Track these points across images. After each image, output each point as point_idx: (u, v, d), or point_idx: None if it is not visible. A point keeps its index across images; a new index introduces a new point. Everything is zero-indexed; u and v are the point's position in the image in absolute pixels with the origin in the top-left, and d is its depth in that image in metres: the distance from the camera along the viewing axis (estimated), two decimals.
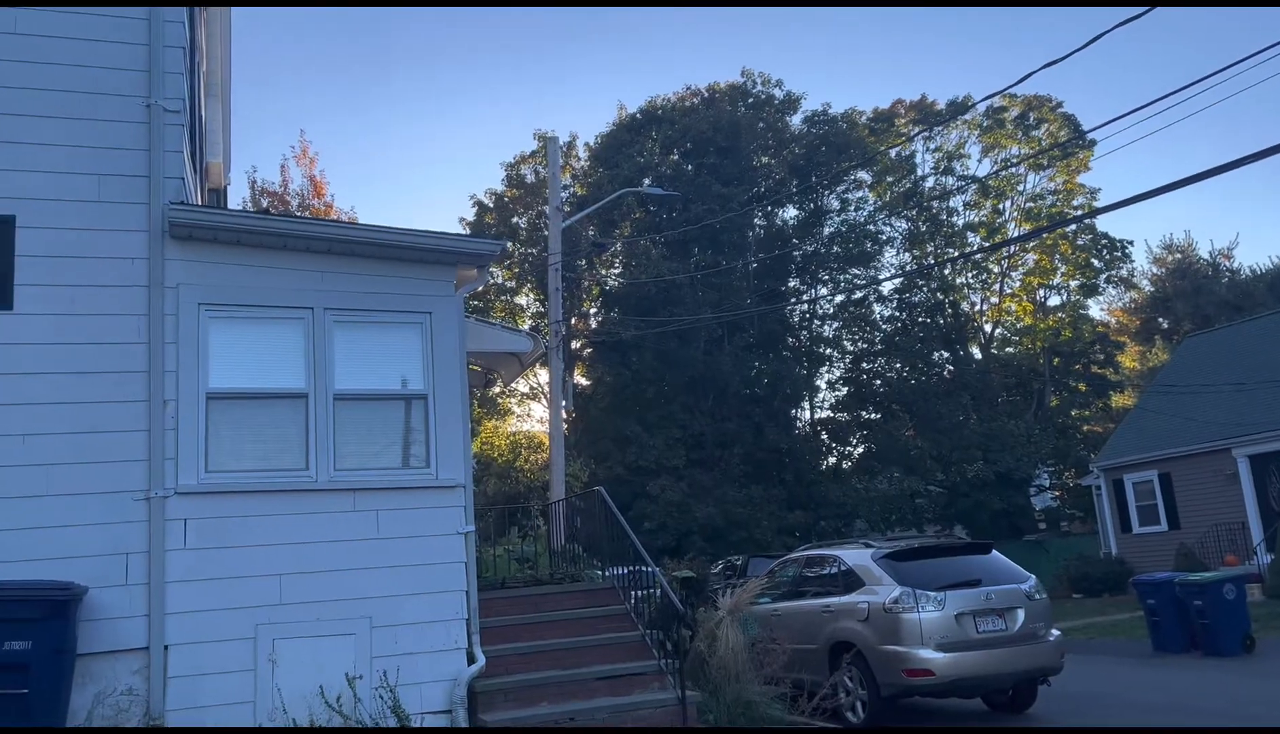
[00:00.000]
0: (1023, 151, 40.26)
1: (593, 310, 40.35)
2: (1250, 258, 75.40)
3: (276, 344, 7.82)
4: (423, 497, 7.95)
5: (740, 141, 37.76)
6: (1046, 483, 39.04)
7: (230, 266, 7.73)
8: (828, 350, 40.98)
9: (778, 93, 40.88)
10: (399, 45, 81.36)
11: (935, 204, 41.04)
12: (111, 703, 6.83)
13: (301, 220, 9.67)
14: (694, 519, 31.59)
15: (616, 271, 39.32)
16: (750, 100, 40.67)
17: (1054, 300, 41.65)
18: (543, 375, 35.20)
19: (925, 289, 40.13)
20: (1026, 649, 9.57)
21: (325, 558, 7.53)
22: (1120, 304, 47.27)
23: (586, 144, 41.67)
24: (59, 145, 7.46)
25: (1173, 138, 76.48)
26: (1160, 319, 45.04)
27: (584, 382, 38.64)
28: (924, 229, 41.14)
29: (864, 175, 40.92)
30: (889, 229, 41.01)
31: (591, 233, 35.29)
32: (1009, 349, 42.17)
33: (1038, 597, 9.92)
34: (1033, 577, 10.23)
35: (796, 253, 39.28)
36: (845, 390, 41.08)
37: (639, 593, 9.53)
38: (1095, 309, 43.96)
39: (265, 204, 32.48)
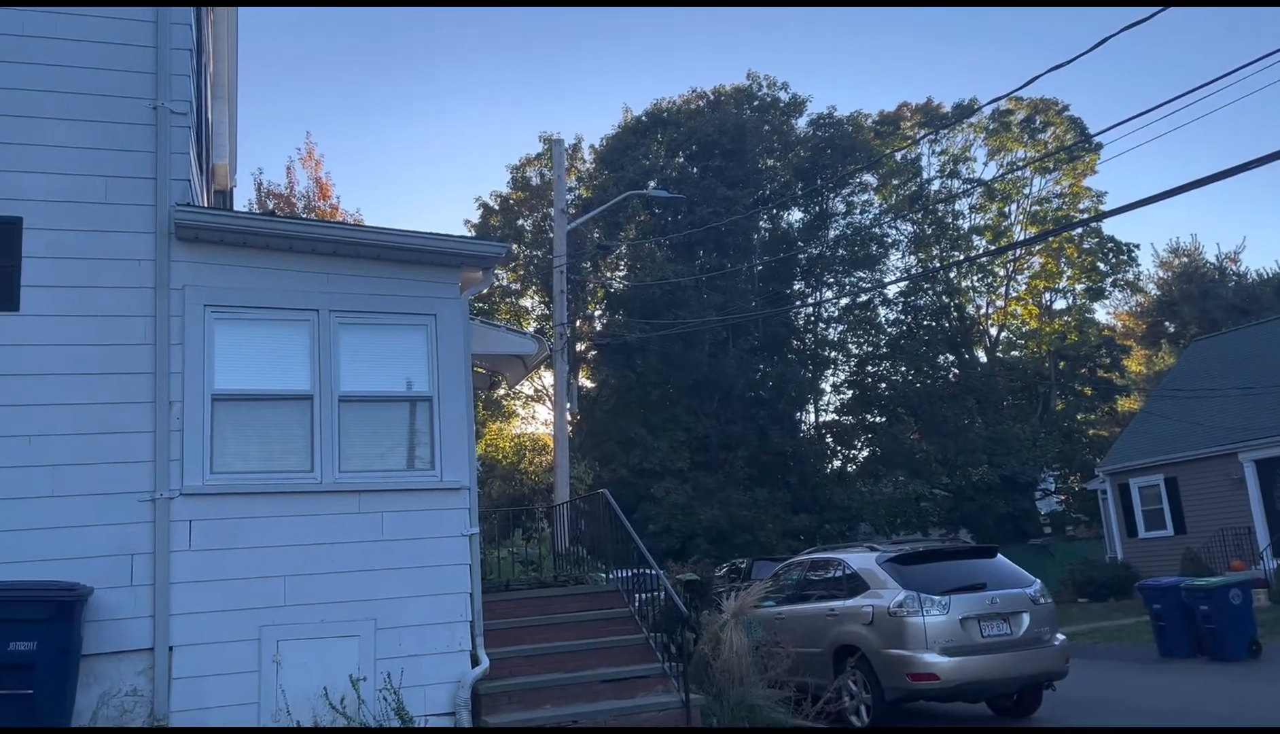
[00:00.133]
0: (1029, 155, 40.20)
1: (597, 313, 40.37)
2: (1257, 262, 75.36)
3: (282, 346, 7.83)
4: (427, 499, 7.96)
5: (745, 144, 37.77)
6: (1052, 487, 38.95)
7: (236, 268, 7.75)
8: (833, 353, 40.93)
9: (783, 96, 40.89)
10: (405, 47, 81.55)
11: (941, 207, 40.98)
12: (116, 703, 6.84)
13: (307, 222, 9.69)
14: (698, 522, 31.57)
15: (621, 274, 39.33)
16: (755, 103, 40.68)
17: (1060, 304, 41.59)
18: (547, 378, 35.30)
19: (931, 292, 40.08)
20: (1031, 654, 9.54)
21: (330, 560, 7.54)
22: (1126, 308, 47.18)
23: (592, 146, 41.75)
24: (66, 147, 7.49)
25: (1179, 141, 76.41)
26: (1166, 323, 44.93)
27: (589, 384, 38.65)
28: (929, 232, 41.08)
29: (869, 178, 40.89)
30: (894, 232, 40.99)
31: (596, 235, 35.30)
32: (1014, 352, 42.08)
33: (1043, 601, 9.90)
34: (1038, 581, 10.20)
35: (801, 256, 39.26)
36: (850, 393, 41.04)
37: (643, 596, 9.53)
38: (1101, 313, 43.94)
39: (271, 206, 32.55)
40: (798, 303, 39.55)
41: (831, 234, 40.22)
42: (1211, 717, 9.56)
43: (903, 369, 39.69)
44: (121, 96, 7.68)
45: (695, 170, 37.60)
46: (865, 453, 40.26)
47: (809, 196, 39.30)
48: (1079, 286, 40.82)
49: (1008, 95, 13.70)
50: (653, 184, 35.18)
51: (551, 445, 28.43)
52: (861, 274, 39.93)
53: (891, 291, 40.20)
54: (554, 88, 79.82)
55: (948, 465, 35.67)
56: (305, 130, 75.12)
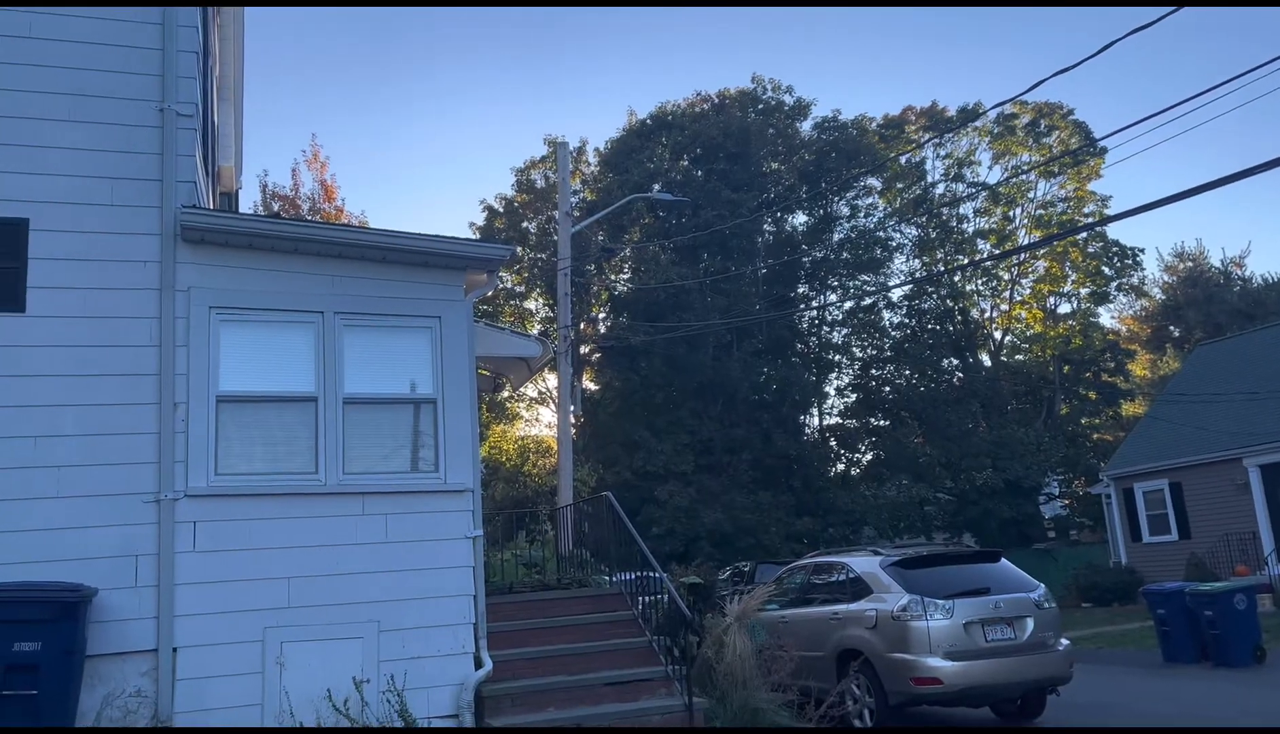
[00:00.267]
0: (1033, 159, 40.17)
1: (602, 315, 40.39)
2: (1262, 266, 75.17)
3: (287, 347, 7.85)
4: (431, 501, 7.96)
5: (750, 147, 37.78)
6: (1056, 491, 38.89)
7: (241, 270, 7.76)
8: (837, 357, 40.90)
9: (788, 99, 40.91)
10: (409, 48, 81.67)
11: (945, 211, 40.97)
12: (120, 704, 6.86)
13: (312, 224, 9.70)
14: (702, 525, 31.56)
15: (625, 277, 39.35)
16: (760, 106, 40.70)
17: (1064, 308, 41.54)
18: (551, 380, 35.29)
19: (935, 296, 40.05)
20: (1035, 658, 9.53)
21: (333, 561, 7.55)
22: (1131, 312, 47.16)
23: (597, 149, 41.79)
24: (72, 149, 7.52)
25: (1185, 145, 76.29)
26: (1171, 327, 44.91)
27: (592, 386, 38.66)
28: (934, 236, 41.06)
29: (874, 182, 40.88)
30: (899, 235, 40.98)
31: (601, 238, 35.33)
32: (1019, 356, 42.04)
33: (1047, 605, 9.88)
34: (1042, 585, 10.19)
35: (806, 259, 39.25)
36: (854, 397, 41.01)
37: (646, 599, 9.53)
38: (1106, 317, 43.95)
39: (276, 208, 32.63)
40: (802, 306, 39.53)
41: (836, 237, 40.21)
42: (1216, 722, 9.53)
43: (907, 372, 39.65)
44: (128, 99, 7.71)
45: (700, 173, 37.62)
46: (869, 456, 40.22)
47: (813, 200, 39.30)
48: (1083, 291, 40.77)
49: (1013, 99, 13.75)
50: (657, 187, 35.19)
51: (555, 448, 28.44)
52: (866, 277, 39.92)
53: (896, 295, 40.21)
54: (558, 90, 79.93)
55: (951, 469, 35.62)
56: (311, 132, 75.12)
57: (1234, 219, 78.13)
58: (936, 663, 9.12)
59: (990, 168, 41.90)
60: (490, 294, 30.80)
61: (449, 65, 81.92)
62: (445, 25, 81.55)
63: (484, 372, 11.11)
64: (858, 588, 10.19)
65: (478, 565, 8.04)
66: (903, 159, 40.10)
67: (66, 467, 7.02)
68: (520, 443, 41.05)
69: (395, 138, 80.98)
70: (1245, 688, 11.56)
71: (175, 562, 7.13)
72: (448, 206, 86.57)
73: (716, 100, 40.77)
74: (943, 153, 41.67)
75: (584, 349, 37.88)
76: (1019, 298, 41.71)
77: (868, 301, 40.05)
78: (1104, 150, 35.95)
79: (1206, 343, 31.95)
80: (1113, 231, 41.06)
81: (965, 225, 41.49)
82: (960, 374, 40.09)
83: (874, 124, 41.87)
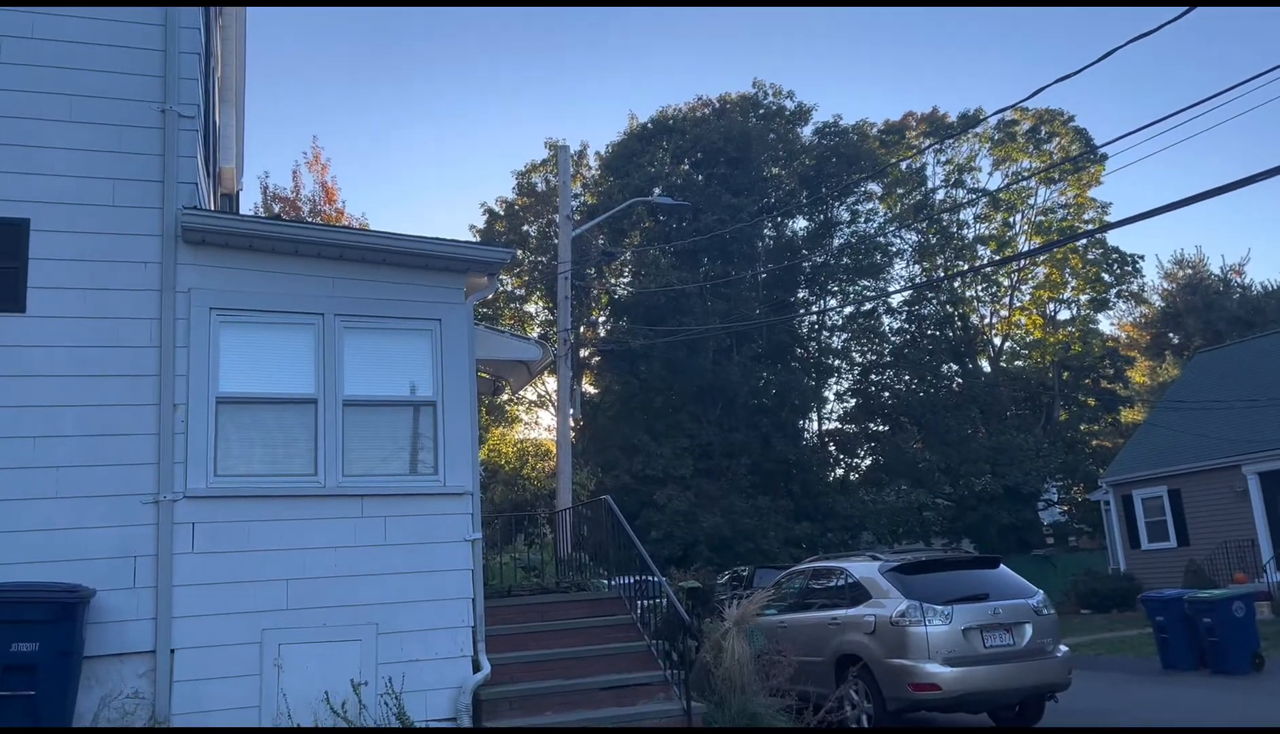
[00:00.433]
0: (1034, 165, 40.21)
1: (601, 319, 40.39)
2: (1262, 274, 75.13)
3: (287, 349, 7.85)
4: (430, 503, 7.96)
5: (751, 152, 37.82)
6: (1055, 497, 38.87)
7: (242, 271, 7.76)
8: (836, 362, 40.92)
9: (789, 104, 40.96)
10: (411, 52, 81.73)
11: (945, 217, 41.00)
12: (117, 706, 6.85)
13: (313, 226, 9.71)
14: (700, 529, 31.54)
15: (626, 280, 39.36)
16: (761, 111, 40.75)
17: (1064, 314, 41.55)
18: (551, 383, 35.29)
19: (935, 301, 40.07)
20: (1034, 665, 9.52)
21: (332, 563, 7.55)
22: (1130, 319, 47.16)
23: (597, 153, 41.83)
24: (74, 149, 7.52)
25: (1185, 152, 76.40)
26: (1171, 334, 44.91)
27: (592, 390, 38.66)
28: (934, 241, 41.09)
29: (874, 187, 40.92)
30: (899, 241, 41.01)
31: (601, 241, 35.35)
32: (1018, 362, 42.05)
33: (1046, 612, 9.87)
34: (1041, 592, 10.18)
35: (806, 264, 39.28)
36: (853, 402, 41.01)
37: (645, 603, 9.52)
38: (1105, 324, 43.88)
39: (277, 209, 32.65)
40: (801, 311, 39.55)
41: (836, 242, 40.25)
42: (1219, 727, 9.53)
43: (906, 378, 39.66)
44: (129, 100, 7.71)
45: (700, 178, 37.65)
46: (868, 461, 40.21)
47: (814, 205, 39.32)
48: (1083, 297, 40.80)
49: (1014, 106, 13.73)
50: (658, 191, 35.17)
51: (554, 451, 28.42)
52: (865, 283, 39.94)
53: (895, 300, 40.22)
54: (560, 93, 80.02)
55: (950, 475, 35.62)
56: (312, 134, 75.01)
57: (1234, 226, 78.25)
58: (935, 669, 9.11)
59: (991, 174, 42.01)
60: (490, 297, 30.80)
61: (450, 67, 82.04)
62: (447, 27, 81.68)
63: (484, 374, 11.11)
64: (856, 593, 10.18)
65: (476, 568, 8.04)
66: (903, 165, 40.14)
67: (66, 467, 7.02)
68: (519, 446, 41.03)
69: (396, 140, 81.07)
70: (1244, 695, 11.55)
71: (174, 563, 7.12)
72: (448, 209, 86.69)
73: (717, 104, 40.82)
74: (943, 158, 41.73)
75: (584, 352, 37.88)
76: (1019, 304, 41.74)
77: (867, 307, 40.08)
78: (1104, 157, 36.03)
79: (1206, 350, 31.97)
80: (1113, 238, 41.18)
81: (965, 231, 41.53)
82: (960, 380, 40.10)
83: (875, 129, 41.92)
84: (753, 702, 8.67)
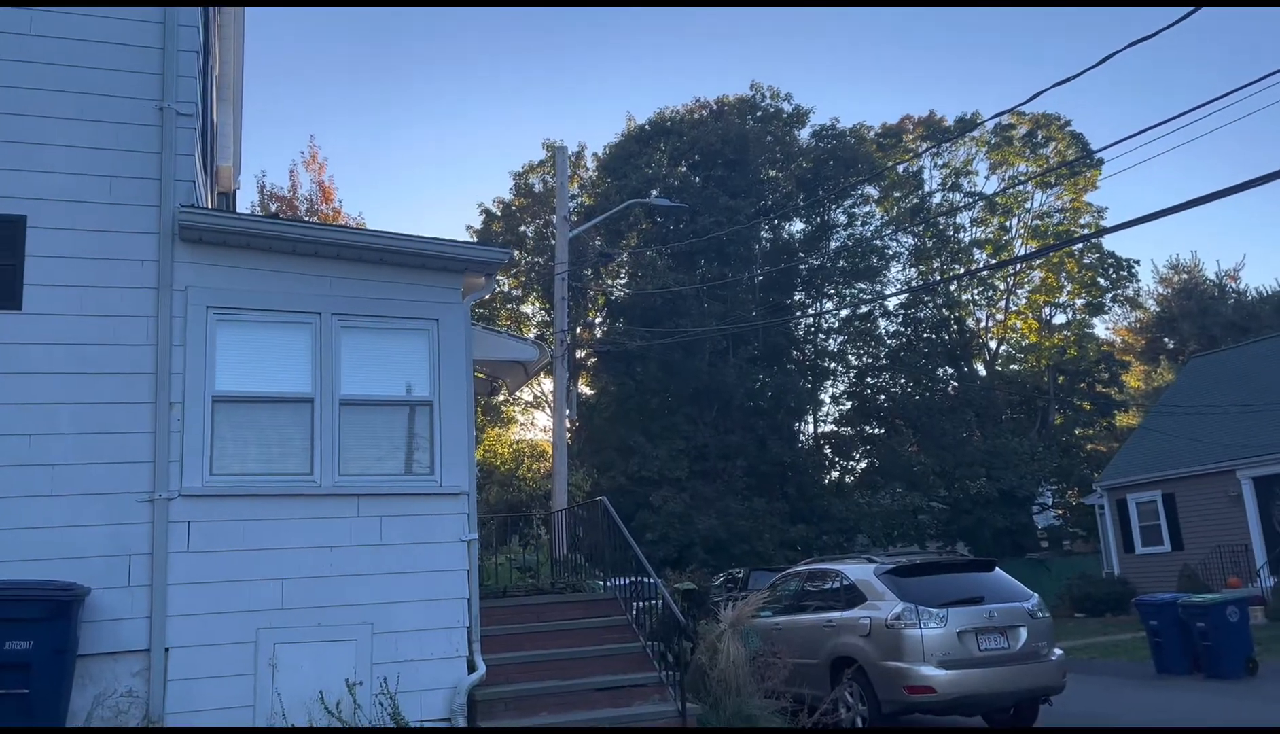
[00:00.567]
0: (1030, 169, 40.28)
1: (598, 320, 40.40)
2: (1257, 279, 75.52)
3: (283, 348, 7.84)
4: (426, 503, 7.96)
5: (748, 154, 37.84)
6: (1049, 501, 38.93)
7: (239, 270, 7.75)
8: (832, 364, 40.96)
9: (786, 106, 41.01)
10: (409, 52, 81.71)
11: (942, 220, 41.06)
12: (111, 704, 6.83)
13: (310, 225, 9.72)
14: (696, 531, 31.54)
15: (622, 282, 39.36)
16: (759, 113, 40.79)
17: (1059, 318, 41.64)
18: (547, 384, 35.28)
19: (930, 305, 40.12)
20: (1029, 668, 9.53)
21: (328, 563, 7.54)
22: (1126, 323, 47.24)
23: (595, 154, 41.83)
24: (71, 147, 7.51)
25: (1181, 158, 76.60)
26: (1166, 339, 44.99)
27: (588, 391, 38.66)
28: (930, 245, 41.15)
29: (871, 190, 40.98)
30: (895, 244, 41.07)
31: (598, 243, 35.35)
32: (1014, 366, 42.12)
33: (1040, 615, 9.89)
34: (1035, 595, 10.19)
35: (802, 266, 39.32)
36: (849, 405, 41.05)
37: (640, 604, 9.51)
38: (1101, 328, 43.99)
39: (274, 209, 32.62)
40: (798, 313, 39.59)
41: (832, 245, 40.29)
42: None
43: (902, 381, 39.70)
44: (128, 97, 7.70)
45: (698, 179, 37.66)
46: (863, 464, 40.25)
47: (810, 207, 39.36)
48: (1079, 301, 40.88)
49: (1011, 110, 13.70)
50: (655, 192, 35.24)
51: (550, 452, 28.40)
52: (862, 285, 39.99)
53: (891, 304, 40.31)
54: (558, 94, 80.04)
55: (945, 478, 35.65)
56: (309, 133, 75.03)
57: (1229, 232, 78.46)
58: (930, 671, 9.12)
59: (987, 178, 42.09)
60: (487, 297, 30.78)
61: (448, 67, 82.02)
62: (445, 27, 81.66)
63: (480, 375, 11.10)
64: (852, 596, 10.18)
65: (472, 569, 8.03)
66: (900, 168, 40.19)
67: (61, 465, 7.00)
68: (515, 447, 41.00)
69: (393, 140, 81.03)
70: (1237, 700, 11.57)
71: (169, 561, 7.11)
72: (445, 210, 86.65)
73: (715, 107, 40.85)
74: (940, 162, 41.80)
75: (580, 354, 37.87)
76: (1014, 308, 41.81)
77: (864, 310, 40.12)
78: (1100, 162, 36.12)
79: (1200, 355, 32.03)
80: (1108, 243, 41.26)
81: (962, 235, 41.60)
82: (955, 383, 40.15)
83: (872, 133, 41.98)
84: (748, 703, 8.67)
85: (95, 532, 7.00)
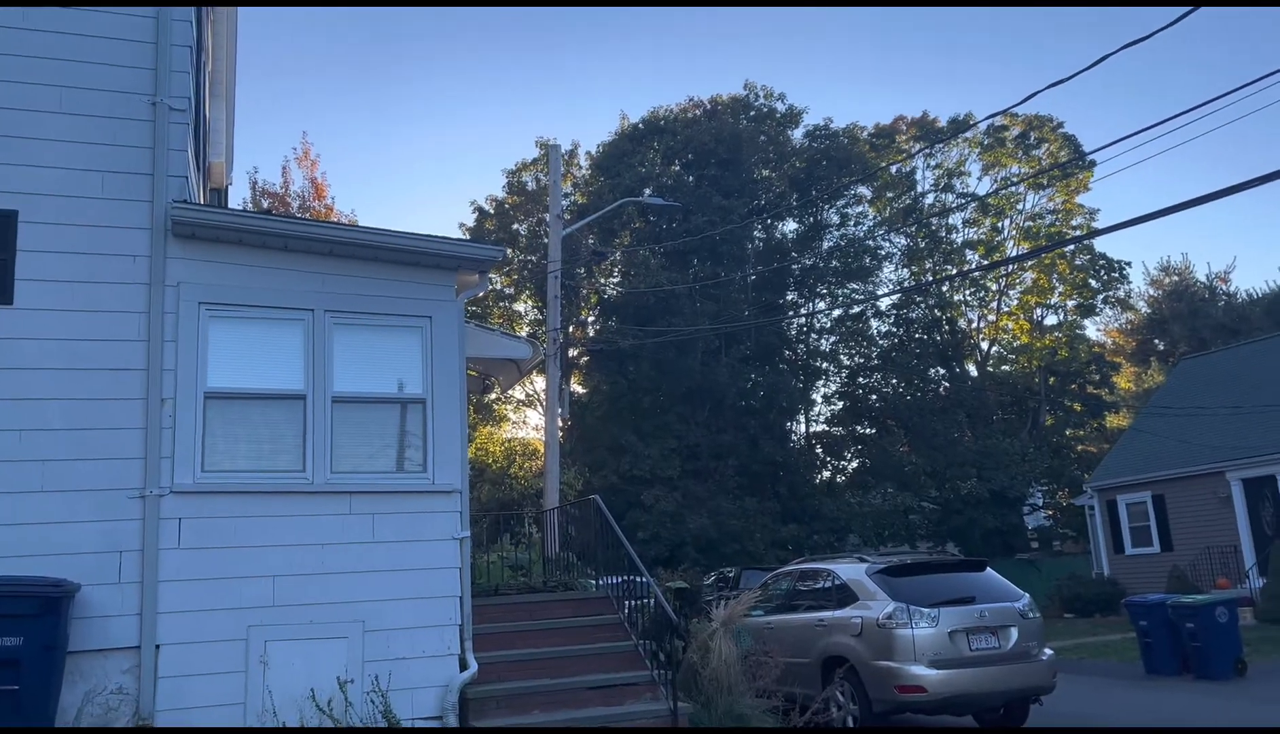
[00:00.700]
0: (1023, 171, 40.39)
1: (591, 318, 40.37)
2: (1247, 281, 75.86)
3: (276, 345, 7.82)
4: (419, 501, 7.94)
5: (741, 154, 37.86)
6: (1040, 502, 39.06)
7: (231, 266, 7.73)
8: (824, 364, 41.01)
9: (780, 106, 41.04)
10: (403, 49, 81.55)
11: (934, 221, 41.15)
12: (101, 701, 6.80)
13: (304, 222, 9.68)
14: (687, 530, 31.55)
15: (615, 280, 39.34)
16: (752, 113, 40.80)
17: (1051, 320, 41.76)
18: (539, 382, 35.20)
19: (923, 305, 40.20)
20: (1019, 668, 9.57)
21: (319, 560, 7.52)
22: (1117, 325, 47.40)
23: (588, 153, 41.80)
24: (63, 141, 7.47)
25: (1173, 160, 76.90)
26: (1156, 341, 45.16)
27: (580, 390, 38.64)
28: (923, 245, 41.24)
29: (864, 190, 41.02)
30: (888, 245, 41.12)
31: (591, 241, 35.31)
32: (1005, 367, 42.23)
33: (1031, 615, 9.92)
34: (1026, 595, 10.23)
35: (795, 266, 39.36)
36: (841, 405, 41.11)
37: (632, 602, 9.52)
38: (1092, 329, 44.14)
39: (266, 205, 32.52)
40: (790, 313, 39.62)
41: (825, 245, 40.33)
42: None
43: (893, 381, 39.76)
44: (121, 91, 7.67)
45: (691, 179, 37.67)
46: (855, 464, 40.31)
47: (803, 207, 39.39)
48: (1070, 303, 41.01)
49: (1004, 111, 13.77)
50: (648, 191, 35.24)
51: (542, 450, 28.38)
52: (854, 286, 40.04)
53: (884, 304, 40.35)
54: (551, 92, 79.97)
55: (936, 478, 35.73)
56: (302, 130, 74.88)
57: (1220, 234, 78.81)
58: (921, 671, 9.14)
59: (980, 179, 42.17)
60: (480, 295, 30.73)
61: (442, 65, 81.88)
62: (439, 25, 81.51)
63: (473, 372, 11.08)
64: (843, 595, 10.20)
65: (464, 567, 8.02)
66: (893, 168, 40.25)
67: (51, 460, 6.97)
68: (507, 445, 40.98)
69: (386, 137, 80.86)
70: (1226, 700, 11.62)
71: (159, 558, 7.08)
72: (438, 207, 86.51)
73: (709, 106, 40.86)
74: (933, 163, 41.88)
75: (572, 352, 37.86)
76: (1006, 309, 41.92)
77: (856, 310, 40.18)
78: (1093, 163, 36.19)
79: (1191, 357, 32.17)
80: (1100, 245, 41.41)
81: (954, 236, 41.70)
82: (946, 384, 40.24)
83: (865, 133, 42.02)
84: (739, 702, 8.68)
85: (86, 528, 6.97)
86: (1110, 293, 41.82)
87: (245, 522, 7.39)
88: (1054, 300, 41.14)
